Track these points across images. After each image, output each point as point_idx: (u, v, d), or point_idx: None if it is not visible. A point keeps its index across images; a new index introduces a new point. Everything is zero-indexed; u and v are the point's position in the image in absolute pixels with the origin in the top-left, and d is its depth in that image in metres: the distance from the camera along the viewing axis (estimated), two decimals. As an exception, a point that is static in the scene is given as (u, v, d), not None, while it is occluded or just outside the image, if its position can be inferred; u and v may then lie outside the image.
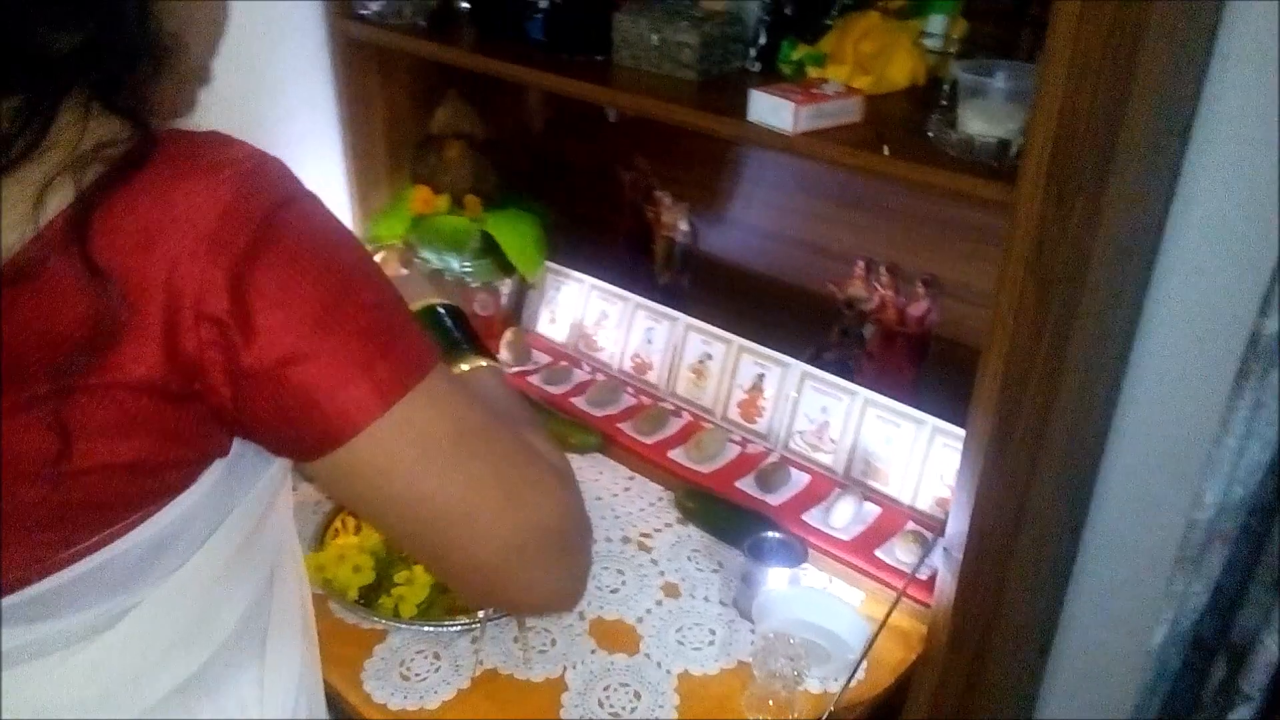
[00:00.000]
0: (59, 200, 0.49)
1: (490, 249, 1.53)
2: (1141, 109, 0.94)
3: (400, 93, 1.56)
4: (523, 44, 1.32)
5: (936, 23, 1.14)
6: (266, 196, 0.52)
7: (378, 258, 1.60)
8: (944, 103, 1.03)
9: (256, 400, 0.53)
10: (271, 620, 0.69)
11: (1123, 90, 0.89)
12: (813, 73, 1.14)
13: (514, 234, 1.51)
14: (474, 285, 1.55)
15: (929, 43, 1.15)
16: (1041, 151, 0.83)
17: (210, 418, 0.54)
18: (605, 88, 1.18)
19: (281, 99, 1.50)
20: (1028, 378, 0.97)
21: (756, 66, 1.21)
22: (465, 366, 0.76)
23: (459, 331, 0.81)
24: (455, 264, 1.49)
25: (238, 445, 0.57)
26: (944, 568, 1.02)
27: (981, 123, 0.92)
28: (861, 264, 1.38)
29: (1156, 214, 1.12)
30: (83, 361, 0.49)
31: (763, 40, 1.20)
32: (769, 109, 1.02)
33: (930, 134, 0.95)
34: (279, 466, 0.63)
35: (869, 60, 1.14)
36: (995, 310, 0.90)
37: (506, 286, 1.60)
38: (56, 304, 0.48)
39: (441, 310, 0.82)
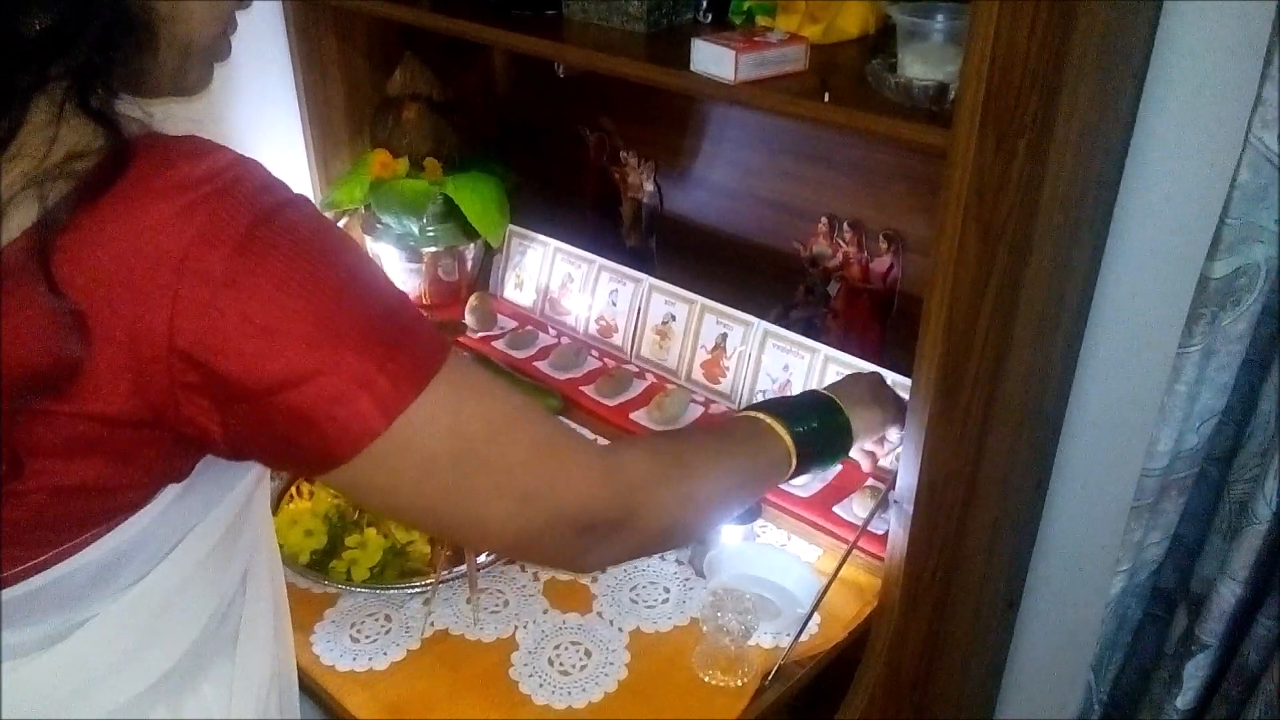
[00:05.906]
0: (21, 218, 0.46)
1: (452, 213, 1.51)
2: (1088, 48, 0.92)
3: (357, 55, 1.53)
4: (476, 1, 1.29)
5: (888, -32, 1.12)
6: (244, 215, 0.48)
7: (341, 224, 1.59)
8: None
9: (249, 427, 0.51)
10: (243, 623, 0.68)
11: (1066, 28, 0.87)
12: (762, 22, 1.12)
13: (475, 197, 1.49)
14: (436, 250, 1.54)
15: (881, -11, 1.13)
16: (976, 93, 0.80)
17: (174, 445, 0.52)
18: (552, 42, 1.16)
19: (238, 66, 1.48)
20: (974, 326, 0.95)
21: (708, 18, 1.18)
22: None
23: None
24: (415, 228, 1.48)
25: (201, 465, 0.55)
26: (895, 521, 1.01)
27: (920, 66, 0.89)
28: (825, 220, 1.36)
29: (1114, 158, 1.09)
30: (40, 390, 0.46)
31: (713, -9, 1.18)
32: (711, 58, 1.00)
33: (869, 79, 0.93)
34: (253, 477, 0.61)
35: (819, 9, 1.11)
36: (935, 257, 0.89)
37: (470, 251, 1.59)
38: (16, 329, 0.45)
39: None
